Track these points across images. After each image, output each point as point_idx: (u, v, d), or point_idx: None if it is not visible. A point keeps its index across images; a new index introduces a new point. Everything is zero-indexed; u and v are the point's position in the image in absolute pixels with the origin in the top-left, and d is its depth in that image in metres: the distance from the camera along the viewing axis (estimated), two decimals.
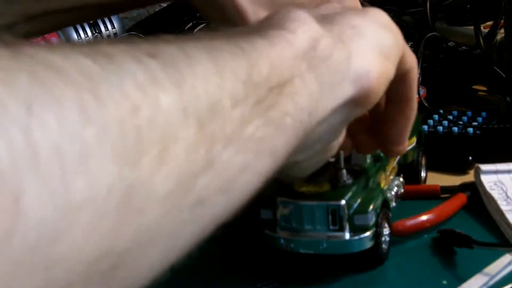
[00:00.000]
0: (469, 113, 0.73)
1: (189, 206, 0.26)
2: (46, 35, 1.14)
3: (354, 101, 0.36)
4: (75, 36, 1.18)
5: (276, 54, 0.32)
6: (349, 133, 0.44)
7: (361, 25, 0.38)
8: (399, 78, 0.41)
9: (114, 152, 0.22)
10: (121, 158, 0.22)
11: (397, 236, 0.52)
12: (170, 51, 0.27)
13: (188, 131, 0.25)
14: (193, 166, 0.25)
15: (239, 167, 0.28)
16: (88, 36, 1.19)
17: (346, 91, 0.36)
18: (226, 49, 0.29)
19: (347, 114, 0.37)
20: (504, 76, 0.75)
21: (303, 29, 0.34)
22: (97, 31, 1.20)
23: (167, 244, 0.25)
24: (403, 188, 0.56)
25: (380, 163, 0.53)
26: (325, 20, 0.37)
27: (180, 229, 0.26)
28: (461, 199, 0.57)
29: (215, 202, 0.27)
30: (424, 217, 0.54)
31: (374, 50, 0.37)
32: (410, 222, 0.53)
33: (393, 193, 0.54)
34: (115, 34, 1.21)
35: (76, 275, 0.21)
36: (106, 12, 0.63)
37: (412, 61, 0.41)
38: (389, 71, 0.38)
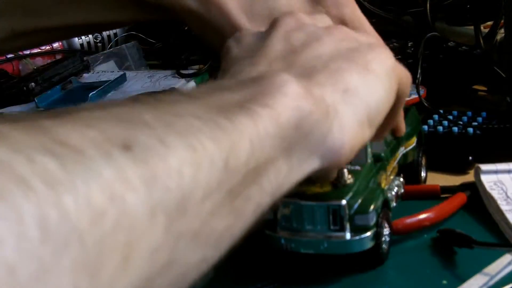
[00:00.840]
0: (469, 113, 0.73)
1: None
2: None
3: (319, 170, 0.35)
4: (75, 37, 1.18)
5: (257, 135, 0.30)
6: None
7: (355, 87, 0.36)
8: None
9: (73, 267, 0.21)
10: (80, 272, 0.21)
11: (397, 235, 0.52)
12: (146, 142, 0.25)
13: (155, 231, 0.24)
14: (153, 269, 0.24)
15: (196, 262, 0.27)
16: (88, 36, 1.19)
17: (312, 165, 0.34)
18: (206, 132, 0.28)
19: (310, 176, 0.36)
20: (504, 76, 0.75)
21: (291, 107, 0.32)
22: None
23: None
24: (403, 188, 0.56)
25: (380, 163, 0.53)
26: (317, 78, 0.35)
27: None
28: (461, 198, 0.57)
29: None
30: (423, 216, 0.54)
31: (359, 119, 0.36)
32: (410, 220, 0.53)
33: (393, 193, 0.54)
34: (115, 34, 1.21)
35: None
36: (94, 29, 0.63)
37: (406, 87, 0.41)
38: (366, 137, 0.37)
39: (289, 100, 0.32)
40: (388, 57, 0.39)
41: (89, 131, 0.24)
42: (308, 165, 0.34)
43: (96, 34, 1.20)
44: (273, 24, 0.40)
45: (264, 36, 0.39)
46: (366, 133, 0.37)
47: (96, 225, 0.22)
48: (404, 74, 0.40)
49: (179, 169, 0.26)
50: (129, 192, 0.23)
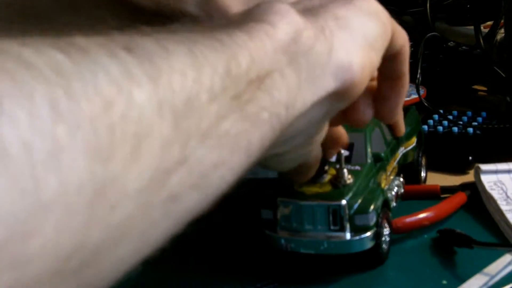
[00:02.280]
0: (469, 113, 0.73)
1: (162, 202, 0.25)
2: None
3: (336, 95, 0.36)
4: None
5: (255, 47, 0.31)
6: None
7: (345, 16, 0.37)
8: (391, 57, 0.40)
9: (86, 149, 0.22)
10: (93, 155, 0.22)
11: (397, 234, 0.52)
12: (147, 45, 0.26)
13: (163, 126, 0.25)
14: (167, 162, 0.25)
15: (213, 163, 0.28)
16: None
17: (327, 84, 0.35)
18: (204, 42, 0.29)
19: (329, 107, 0.37)
20: (504, 76, 0.75)
21: (284, 22, 0.33)
22: None
23: (139, 240, 0.25)
24: (403, 188, 0.56)
25: (380, 163, 0.53)
26: (307, 12, 0.37)
27: (152, 225, 0.26)
28: (461, 197, 0.57)
29: (188, 198, 0.27)
30: (423, 215, 0.54)
31: (358, 41, 0.37)
32: (410, 219, 0.53)
33: (393, 193, 0.54)
34: None
35: (46, 273, 0.21)
36: None
37: (403, 39, 0.41)
38: (374, 61, 0.38)
39: (283, 17, 0.33)
40: (375, 2, 0.40)
41: (95, 36, 0.25)
42: (322, 84, 0.35)
43: None
44: None
45: None
46: (372, 56, 0.37)
47: (105, 112, 0.22)
48: (399, 27, 0.41)
49: (182, 70, 0.26)
50: (135, 87, 0.24)
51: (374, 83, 0.43)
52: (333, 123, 0.44)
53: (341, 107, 0.38)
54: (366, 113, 0.43)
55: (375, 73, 0.42)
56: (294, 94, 0.33)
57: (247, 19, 0.33)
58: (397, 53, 0.41)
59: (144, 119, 0.24)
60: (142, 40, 0.26)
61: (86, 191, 0.22)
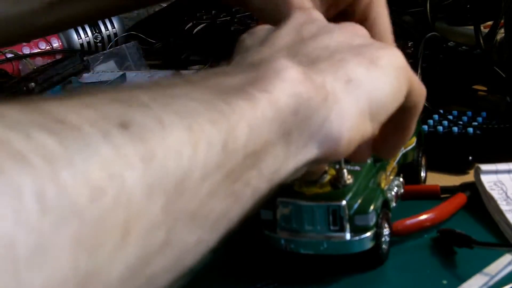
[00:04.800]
0: (469, 113, 0.73)
1: (139, 287, 0.25)
2: (47, 37, 1.14)
3: (316, 160, 0.34)
4: (75, 36, 1.18)
5: (255, 118, 0.30)
6: None
7: (359, 79, 0.35)
8: (404, 111, 0.39)
9: (72, 242, 0.21)
10: (79, 247, 0.21)
11: (397, 236, 0.52)
12: (142, 120, 0.25)
13: (153, 210, 0.24)
14: (151, 247, 0.24)
15: (193, 243, 0.27)
16: (88, 36, 1.19)
17: (310, 153, 0.34)
18: (203, 113, 0.28)
19: (308, 166, 0.35)
20: (504, 76, 0.75)
21: (289, 93, 0.32)
22: (97, 31, 1.20)
23: None
24: (403, 188, 0.56)
25: (380, 164, 0.53)
26: (320, 66, 0.35)
27: None
28: (461, 198, 0.57)
29: (164, 278, 0.26)
30: (424, 217, 0.54)
31: (359, 110, 0.35)
32: (410, 221, 0.53)
33: (393, 193, 0.54)
34: (115, 34, 1.21)
35: None
36: (134, 5, 0.61)
37: (419, 96, 0.39)
38: (367, 133, 0.36)
39: (288, 85, 0.32)
40: (399, 58, 0.38)
41: (86, 111, 0.24)
42: (305, 153, 0.33)
43: (96, 34, 1.20)
44: (286, 18, 0.40)
45: (276, 28, 0.39)
46: (367, 127, 0.36)
47: (95, 201, 0.22)
48: (417, 82, 0.39)
49: (177, 148, 0.26)
50: (127, 170, 0.23)
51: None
52: None
53: (321, 165, 0.37)
54: (364, 155, 0.43)
55: None
56: (279, 167, 0.32)
57: (252, 82, 0.31)
58: (410, 109, 0.39)
59: (134, 204, 0.23)
60: (138, 113, 0.25)
61: (69, 287, 0.21)
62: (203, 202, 0.27)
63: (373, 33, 0.47)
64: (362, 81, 0.35)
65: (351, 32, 0.39)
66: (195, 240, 0.27)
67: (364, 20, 0.47)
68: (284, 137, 0.32)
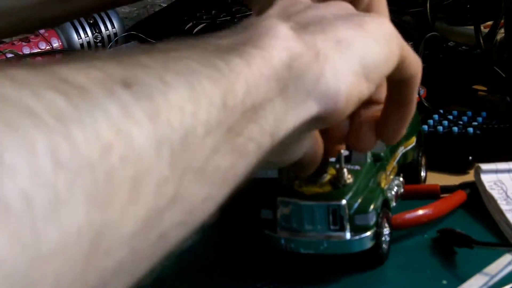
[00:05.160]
0: (469, 113, 0.73)
1: (152, 242, 0.26)
2: (46, 36, 1.14)
3: (317, 118, 0.35)
4: (75, 36, 1.18)
5: (252, 76, 0.31)
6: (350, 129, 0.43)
7: (348, 39, 0.36)
8: (400, 83, 0.39)
9: (85, 197, 0.22)
10: (92, 202, 0.22)
11: (397, 230, 0.52)
12: (146, 79, 0.26)
13: (160, 165, 0.25)
14: (161, 202, 0.25)
15: (202, 198, 0.28)
16: (88, 36, 1.19)
17: (309, 109, 0.34)
18: (203, 72, 0.29)
19: (311, 127, 0.36)
20: (504, 76, 0.75)
21: (281, 48, 0.33)
22: (97, 31, 1.20)
23: (127, 276, 0.25)
24: (403, 187, 0.56)
25: (380, 163, 0.53)
26: (310, 28, 0.35)
27: (139, 264, 0.26)
28: (460, 195, 0.57)
29: (175, 234, 0.27)
30: (423, 211, 0.54)
31: (353, 68, 0.35)
32: (410, 215, 0.53)
33: (393, 192, 0.54)
34: (115, 34, 1.21)
35: None
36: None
37: (415, 68, 0.40)
38: (364, 91, 0.36)
39: (280, 41, 0.33)
40: (388, 26, 0.38)
41: (91, 71, 0.25)
42: (304, 109, 0.34)
43: (96, 34, 1.20)
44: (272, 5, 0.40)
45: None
46: (363, 86, 0.36)
47: (105, 157, 0.23)
48: (411, 52, 0.39)
49: (180, 105, 0.26)
50: (134, 126, 0.24)
51: (378, 109, 0.42)
52: (335, 141, 0.44)
53: (323, 127, 0.38)
54: (369, 140, 0.42)
55: (382, 96, 0.42)
56: (280, 122, 0.33)
57: (245, 41, 0.33)
58: (407, 81, 0.40)
59: (143, 160, 0.24)
60: (141, 73, 0.26)
61: (84, 241, 0.22)
62: (208, 157, 0.28)
63: None
64: (352, 42, 0.36)
65: (338, 6, 0.39)
66: (203, 195, 0.28)
67: None
68: (281, 92, 0.33)
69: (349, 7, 0.40)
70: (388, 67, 0.38)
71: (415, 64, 0.40)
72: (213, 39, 0.33)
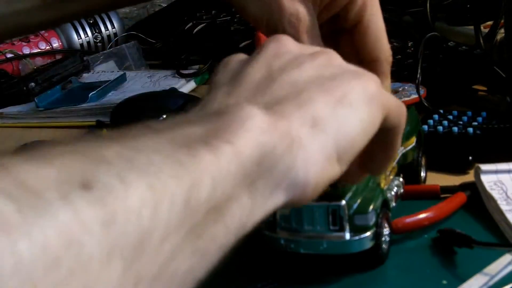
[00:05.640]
0: (469, 113, 0.73)
1: None
2: (46, 36, 1.14)
3: (283, 205, 0.34)
4: (75, 36, 1.18)
5: (219, 173, 0.29)
6: None
7: (326, 119, 0.34)
8: (385, 130, 0.38)
9: None
10: None
11: (397, 234, 0.52)
12: (105, 179, 0.25)
13: (111, 277, 0.24)
14: None
15: None
16: (88, 36, 1.19)
17: (277, 200, 0.33)
18: (167, 168, 0.27)
19: (274, 210, 0.35)
20: (504, 76, 0.75)
21: (253, 143, 0.31)
22: (97, 31, 1.20)
23: None
24: (403, 188, 0.56)
25: None
26: (286, 107, 0.34)
27: None
28: (460, 197, 0.57)
29: None
30: (423, 215, 0.54)
31: (326, 153, 0.34)
32: (410, 219, 0.53)
33: (393, 193, 0.54)
34: (115, 34, 1.21)
35: None
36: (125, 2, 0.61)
37: (399, 118, 0.39)
38: (334, 175, 0.35)
39: (252, 135, 0.31)
40: (372, 86, 0.37)
41: (48, 170, 0.24)
42: (272, 201, 0.33)
43: (96, 34, 1.20)
44: (261, 48, 0.39)
45: (250, 61, 0.38)
46: (335, 169, 0.35)
47: (51, 272, 0.21)
48: (393, 103, 0.38)
49: (138, 210, 0.25)
50: (85, 235, 0.23)
51: None
52: None
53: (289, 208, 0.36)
54: (355, 175, 0.42)
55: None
56: (246, 218, 0.31)
57: (216, 131, 0.31)
58: (391, 130, 0.39)
59: (92, 271, 0.23)
60: (101, 171, 0.25)
61: None
62: (165, 263, 0.26)
63: (369, 36, 0.47)
64: (329, 124, 0.35)
65: (323, 62, 0.38)
66: None
67: (358, 22, 0.47)
68: (249, 188, 0.31)
69: (336, 61, 0.39)
70: (365, 140, 0.36)
71: (399, 114, 0.39)
72: (184, 126, 0.31)
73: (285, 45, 0.39)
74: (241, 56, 0.40)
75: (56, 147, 0.26)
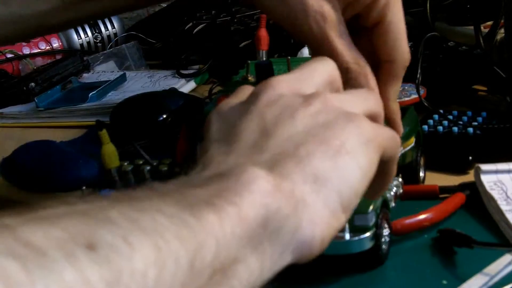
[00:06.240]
0: (469, 113, 0.73)
1: None
2: (47, 37, 1.14)
3: (291, 262, 0.34)
4: (75, 36, 1.18)
5: (224, 235, 0.29)
6: None
7: (326, 174, 0.34)
8: (380, 163, 0.38)
9: None
10: None
11: (397, 235, 0.52)
12: (109, 241, 0.25)
13: None
14: None
15: None
16: (88, 36, 1.19)
17: (284, 259, 0.33)
18: (172, 229, 0.27)
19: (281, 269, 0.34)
20: (504, 76, 0.75)
21: (259, 205, 0.31)
22: (97, 31, 1.20)
23: None
24: (402, 188, 0.56)
25: None
26: (287, 166, 0.34)
27: None
28: (459, 198, 0.57)
29: None
30: (423, 216, 0.54)
31: (330, 209, 0.34)
32: (409, 221, 0.53)
33: (392, 193, 0.54)
34: (115, 34, 1.21)
35: None
36: (142, 3, 0.61)
37: (393, 151, 0.39)
38: (340, 225, 0.35)
39: (257, 197, 0.31)
40: (366, 128, 0.37)
41: (52, 230, 0.24)
42: (281, 262, 0.33)
43: (96, 34, 1.20)
44: (253, 95, 0.38)
45: (243, 112, 0.38)
46: (341, 220, 0.35)
47: None
48: (388, 139, 0.38)
49: (143, 270, 0.25)
50: None
51: None
52: None
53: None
54: None
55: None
56: (254, 279, 0.31)
57: (221, 192, 0.31)
58: (387, 162, 0.39)
59: None
60: (105, 231, 0.25)
61: None
62: None
63: (389, 36, 0.46)
64: (330, 177, 0.34)
65: (317, 109, 0.37)
66: None
67: (379, 22, 0.46)
68: (256, 250, 0.31)
69: (329, 103, 0.38)
70: (366, 183, 0.36)
71: (393, 147, 0.39)
72: (187, 187, 0.31)
73: (276, 89, 0.38)
74: (231, 102, 0.39)
75: (60, 207, 0.26)
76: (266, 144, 0.35)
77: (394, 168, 0.40)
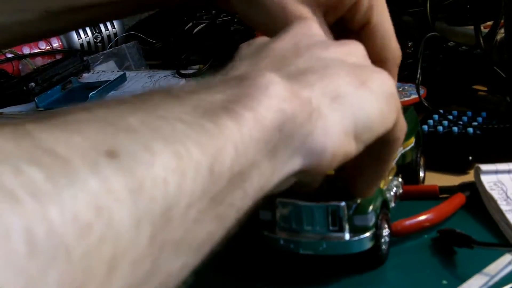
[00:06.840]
0: (469, 113, 0.73)
1: None
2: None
3: (300, 171, 0.34)
4: (75, 36, 1.18)
5: (242, 140, 0.29)
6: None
7: (348, 96, 0.35)
8: (383, 142, 0.39)
9: (60, 282, 0.21)
10: (67, 287, 0.21)
11: (397, 236, 0.52)
12: (131, 148, 0.25)
13: (140, 242, 0.24)
14: (137, 278, 0.24)
15: (178, 268, 0.27)
16: (88, 36, 1.19)
17: (294, 165, 0.33)
18: (191, 136, 0.27)
19: (292, 177, 0.35)
20: (504, 76, 0.75)
21: (274, 110, 0.31)
22: (97, 31, 1.20)
23: None
24: (402, 188, 0.56)
25: None
26: (309, 77, 0.34)
27: None
28: (459, 199, 0.57)
29: None
30: (423, 217, 0.54)
31: (344, 127, 0.35)
32: (409, 222, 0.53)
33: (392, 193, 0.54)
34: (115, 34, 1.21)
35: None
36: (135, 9, 0.61)
37: (402, 132, 0.39)
38: (351, 151, 0.35)
39: (274, 102, 0.32)
40: (391, 85, 0.37)
41: (74, 137, 0.24)
42: (290, 166, 0.33)
43: (96, 34, 1.20)
44: (287, 27, 0.39)
45: (275, 38, 0.38)
46: (352, 146, 0.35)
47: (82, 239, 0.22)
48: (402, 118, 0.39)
49: (165, 177, 0.25)
50: (115, 203, 0.23)
51: None
52: None
53: (305, 179, 0.36)
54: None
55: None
56: (264, 183, 0.32)
57: (238, 98, 0.31)
58: (390, 142, 0.39)
59: (122, 238, 0.23)
60: (127, 139, 0.25)
61: None
62: (189, 229, 0.27)
63: (376, 37, 0.47)
64: (350, 100, 0.35)
65: (348, 50, 0.38)
66: (180, 265, 0.27)
67: (365, 24, 0.47)
68: (270, 154, 0.31)
69: (360, 52, 0.39)
70: (382, 129, 0.37)
71: (403, 128, 0.39)
72: (206, 92, 0.31)
73: (312, 26, 0.39)
74: (266, 38, 0.40)
75: (79, 113, 0.26)
76: (295, 61, 0.36)
77: (393, 156, 0.40)
